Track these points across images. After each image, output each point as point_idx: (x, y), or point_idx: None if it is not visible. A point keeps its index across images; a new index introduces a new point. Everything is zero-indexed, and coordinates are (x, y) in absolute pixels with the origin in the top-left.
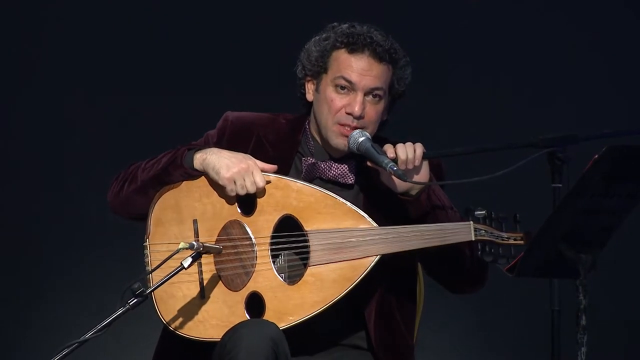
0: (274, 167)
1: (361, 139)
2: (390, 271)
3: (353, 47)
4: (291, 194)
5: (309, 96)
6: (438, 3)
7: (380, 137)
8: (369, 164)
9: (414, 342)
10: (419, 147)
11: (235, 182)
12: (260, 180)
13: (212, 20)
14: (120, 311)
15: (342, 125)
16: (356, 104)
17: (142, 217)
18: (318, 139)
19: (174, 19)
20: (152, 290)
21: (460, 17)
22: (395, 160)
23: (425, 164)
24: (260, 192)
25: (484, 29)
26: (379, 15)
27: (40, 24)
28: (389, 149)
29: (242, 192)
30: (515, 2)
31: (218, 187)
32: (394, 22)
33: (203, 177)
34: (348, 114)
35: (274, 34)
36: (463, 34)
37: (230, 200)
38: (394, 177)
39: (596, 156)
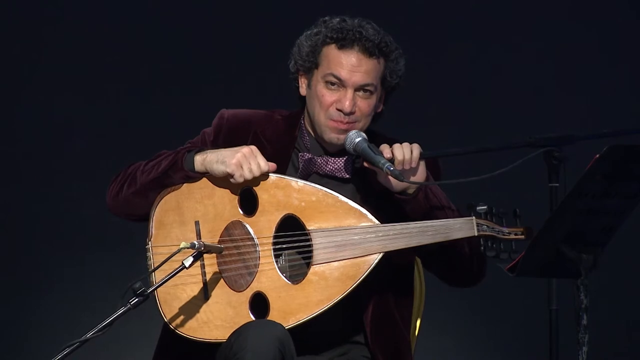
0: (273, 165)
1: (357, 140)
2: (388, 268)
3: (342, 43)
4: (292, 194)
5: (302, 90)
6: (441, 2)
7: (375, 132)
8: (365, 164)
9: (413, 340)
10: (416, 149)
11: (242, 166)
12: (264, 164)
13: (209, 18)
14: (121, 311)
15: (335, 121)
16: (346, 100)
17: (141, 219)
18: (313, 134)
19: (171, 18)
20: (153, 290)
21: (459, 15)
22: (391, 160)
23: (422, 163)
24: (265, 181)
25: (484, 28)
26: (377, 12)
27: (41, 24)
28: (385, 149)
29: (249, 176)
30: (515, 1)
31: (220, 187)
32: (392, 19)
33: (204, 178)
34: (339, 110)
35: (266, 30)
36: (462, 33)
37: (232, 199)
38: (390, 177)
39: (597, 156)
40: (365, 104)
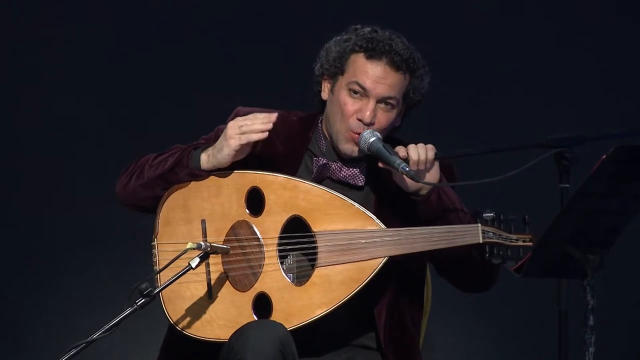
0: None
1: (372, 139)
2: (400, 271)
3: (371, 53)
4: (299, 195)
5: (324, 95)
6: (444, 4)
7: (392, 138)
8: (380, 164)
9: (420, 340)
10: (431, 150)
11: (238, 135)
12: (251, 113)
13: (217, 18)
14: (128, 311)
15: (354, 132)
16: (367, 110)
17: (149, 211)
18: (329, 138)
19: (177, 18)
20: (160, 290)
21: (466, 19)
22: (406, 160)
23: (437, 164)
24: (272, 181)
25: (491, 32)
26: (385, 15)
27: (45, 24)
28: (400, 149)
29: (253, 135)
30: (522, 5)
31: (227, 187)
32: (399, 22)
33: (212, 176)
34: (359, 119)
35: (281, 33)
36: (470, 37)
37: (239, 199)
38: (405, 177)
39: (604, 156)
40: (384, 118)
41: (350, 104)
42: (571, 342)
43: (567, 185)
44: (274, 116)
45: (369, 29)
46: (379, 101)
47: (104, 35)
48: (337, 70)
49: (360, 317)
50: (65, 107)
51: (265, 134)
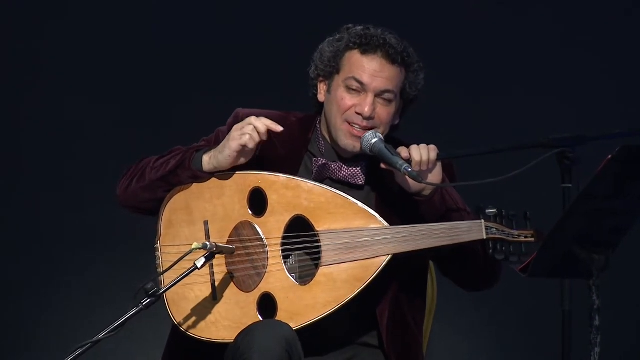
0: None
1: (374, 140)
2: (403, 270)
3: (366, 48)
4: (302, 194)
5: (321, 97)
6: (445, 4)
7: (393, 138)
8: (382, 165)
9: (425, 340)
10: (433, 151)
11: (241, 136)
12: (250, 114)
13: (218, 19)
14: (133, 311)
15: (351, 124)
16: (366, 104)
17: (150, 213)
18: (328, 139)
19: (178, 19)
20: (166, 290)
21: (466, 19)
22: (409, 161)
23: (439, 165)
24: (274, 181)
25: (492, 32)
26: (385, 16)
27: (47, 26)
28: (402, 150)
29: (256, 137)
30: (522, 5)
31: (229, 188)
32: (399, 22)
33: (214, 178)
34: (358, 113)
35: (280, 35)
36: (471, 37)
37: (241, 199)
38: (407, 178)
39: (609, 156)
40: (384, 112)
41: (348, 99)
42: (574, 343)
43: (570, 185)
44: (276, 128)
45: (361, 27)
46: (377, 95)
47: (104, 35)
48: (332, 69)
49: (362, 317)
50: (65, 107)
51: (263, 137)
